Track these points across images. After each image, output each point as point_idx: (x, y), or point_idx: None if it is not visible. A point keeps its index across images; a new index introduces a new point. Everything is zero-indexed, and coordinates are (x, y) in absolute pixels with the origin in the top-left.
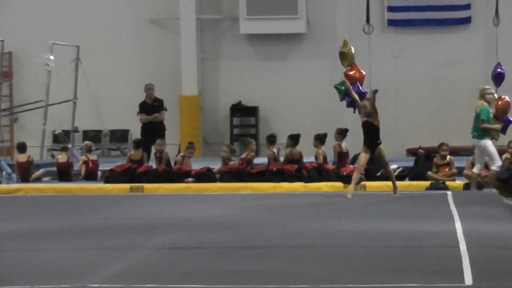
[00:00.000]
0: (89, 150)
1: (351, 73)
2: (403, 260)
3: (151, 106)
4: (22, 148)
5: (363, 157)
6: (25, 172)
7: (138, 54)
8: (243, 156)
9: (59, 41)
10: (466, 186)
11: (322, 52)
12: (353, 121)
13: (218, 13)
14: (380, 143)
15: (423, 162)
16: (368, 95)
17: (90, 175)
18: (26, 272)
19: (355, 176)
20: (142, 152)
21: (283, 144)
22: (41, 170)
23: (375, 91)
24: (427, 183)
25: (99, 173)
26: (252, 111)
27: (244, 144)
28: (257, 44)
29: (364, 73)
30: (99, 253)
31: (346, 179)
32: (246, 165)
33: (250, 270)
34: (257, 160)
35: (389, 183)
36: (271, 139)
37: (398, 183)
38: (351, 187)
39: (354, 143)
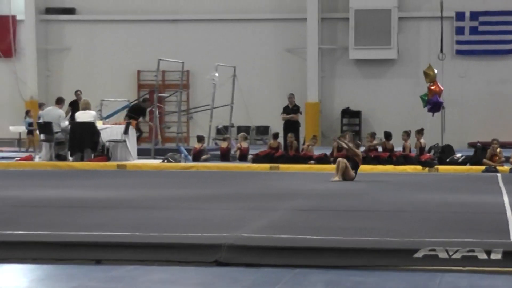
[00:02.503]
0: (245, 138)
1: (432, 87)
2: (464, 222)
3: (291, 109)
4: (200, 139)
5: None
6: (197, 155)
7: (277, 72)
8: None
9: (222, 63)
10: None
11: (408, 73)
12: (431, 122)
13: (334, 44)
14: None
15: (480, 152)
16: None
17: (243, 157)
18: (197, 224)
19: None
20: (278, 142)
21: (381, 138)
22: (208, 154)
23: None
24: (483, 167)
25: (249, 156)
26: (357, 114)
27: (343, 136)
28: (361, 66)
29: (442, 88)
30: (248, 212)
31: (424, 164)
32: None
33: (354, 226)
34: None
35: (456, 167)
36: (372, 135)
37: (461, 167)
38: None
39: (431, 138)
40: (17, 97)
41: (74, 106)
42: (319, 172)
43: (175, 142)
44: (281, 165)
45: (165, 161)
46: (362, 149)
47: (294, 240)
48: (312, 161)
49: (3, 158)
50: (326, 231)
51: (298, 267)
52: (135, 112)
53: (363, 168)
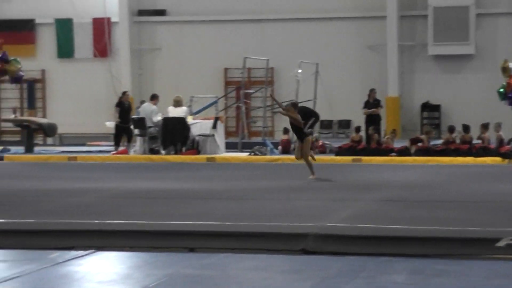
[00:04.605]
0: (285, 131)
1: (510, 81)
2: None
3: (372, 104)
4: (286, 130)
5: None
6: (286, 147)
7: (358, 68)
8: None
9: (305, 60)
10: None
11: (486, 67)
12: (509, 115)
13: (413, 40)
14: (306, 135)
15: None
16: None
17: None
18: (285, 214)
19: (309, 163)
20: (360, 135)
21: (460, 131)
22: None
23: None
24: None
25: (327, 149)
26: (436, 108)
27: (425, 131)
28: (440, 61)
29: None
30: (333, 203)
31: (504, 155)
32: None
33: (436, 216)
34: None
35: None
36: (451, 128)
37: None
38: (312, 171)
39: (509, 130)
40: (112, 94)
41: (121, 107)
42: (400, 164)
43: (261, 136)
44: (364, 158)
45: (252, 154)
46: (440, 141)
47: (378, 230)
48: (393, 154)
49: (100, 151)
50: (409, 220)
51: (382, 255)
52: (309, 114)
53: (443, 160)
